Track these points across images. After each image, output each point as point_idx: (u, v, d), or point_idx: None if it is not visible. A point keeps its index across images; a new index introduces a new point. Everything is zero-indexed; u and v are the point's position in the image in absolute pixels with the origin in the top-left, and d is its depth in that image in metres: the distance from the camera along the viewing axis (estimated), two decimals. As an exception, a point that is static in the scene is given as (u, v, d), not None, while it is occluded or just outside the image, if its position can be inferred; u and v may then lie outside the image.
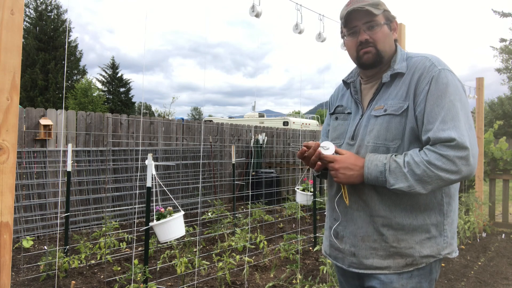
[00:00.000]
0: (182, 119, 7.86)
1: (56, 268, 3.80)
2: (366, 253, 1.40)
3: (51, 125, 5.50)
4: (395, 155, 1.32)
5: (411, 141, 1.34)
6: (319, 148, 1.42)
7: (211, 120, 15.52)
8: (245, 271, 3.81)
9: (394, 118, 1.36)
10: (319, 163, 1.43)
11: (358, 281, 1.50)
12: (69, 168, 4.24)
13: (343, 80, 1.63)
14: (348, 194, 1.44)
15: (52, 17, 26.43)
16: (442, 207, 1.38)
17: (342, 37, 1.54)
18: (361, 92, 1.54)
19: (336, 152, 1.42)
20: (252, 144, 8.54)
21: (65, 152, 5.34)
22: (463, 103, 1.30)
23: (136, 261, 3.64)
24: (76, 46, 28.60)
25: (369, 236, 1.40)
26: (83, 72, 28.91)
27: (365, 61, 1.45)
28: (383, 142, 1.37)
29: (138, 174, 6.27)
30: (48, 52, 25.19)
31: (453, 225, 1.42)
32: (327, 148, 1.42)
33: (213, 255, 4.12)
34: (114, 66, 31.09)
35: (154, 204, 3.41)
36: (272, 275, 3.96)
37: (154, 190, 3.26)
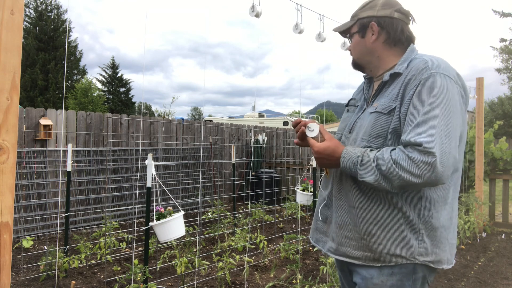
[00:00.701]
0: (182, 119, 7.86)
1: (56, 268, 3.80)
2: (342, 240, 1.46)
3: (51, 125, 5.50)
4: (370, 150, 1.35)
5: (394, 140, 1.35)
6: (305, 128, 1.52)
7: (211, 120, 15.52)
8: (245, 271, 3.81)
9: (381, 116, 1.39)
10: (299, 141, 1.58)
11: (350, 276, 1.55)
12: (69, 168, 4.24)
13: (363, 75, 1.70)
14: (333, 183, 1.54)
15: (52, 17, 26.43)
16: (419, 211, 1.36)
17: None
18: (373, 88, 1.59)
19: (321, 133, 1.49)
20: (252, 144, 8.54)
21: (65, 152, 5.34)
22: (448, 110, 1.27)
23: (136, 261, 3.64)
24: (76, 46, 28.61)
25: (346, 225, 1.45)
26: (83, 72, 28.91)
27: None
28: (368, 138, 1.41)
29: (138, 174, 6.27)
30: (48, 52, 25.18)
31: (436, 233, 1.37)
32: (312, 130, 1.49)
33: (213, 255, 4.12)
34: (114, 66, 31.10)
35: (154, 204, 3.41)
36: (272, 275, 3.96)
37: (154, 190, 3.26)
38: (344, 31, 1.60)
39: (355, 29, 1.55)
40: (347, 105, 1.72)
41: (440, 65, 1.34)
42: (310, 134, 1.49)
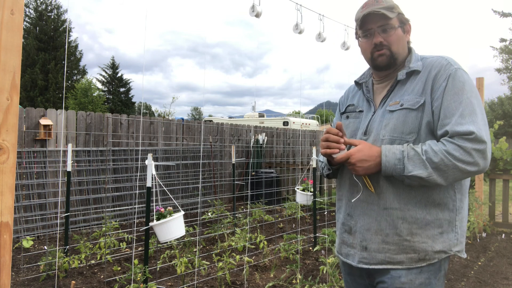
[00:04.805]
0: (182, 119, 7.86)
1: (56, 268, 3.80)
2: (379, 247, 1.40)
3: (51, 125, 5.50)
4: (411, 145, 1.35)
5: (427, 134, 1.37)
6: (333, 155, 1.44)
7: (211, 120, 15.52)
8: (245, 271, 3.81)
9: (411, 112, 1.39)
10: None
11: (368, 279, 1.50)
12: (69, 168, 4.24)
13: (355, 81, 1.67)
14: (362, 187, 1.46)
15: (52, 17, 26.45)
16: (454, 203, 1.40)
17: (357, 38, 1.59)
18: (373, 92, 1.58)
19: (349, 144, 1.43)
20: (252, 144, 8.54)
21: (65, 152, 5.34)
22: (479, 101, 1.35)
23: (136, 261, 3.64)
24: (76, 46, 28.63)
25: (382, 230, 1.40)
26: (83, 72, 28.93)
27: (379, 63, 1.49)
28: (400, 135, 1.39)
29: (138, 174, 6.27)
30: (48, 52, 25.20)
31: (463, 223, 1.43)
32: (339, 152, 1.42)
33: (213, 255, 4.12)
34: (114, 66, 31.09)
35: (154, 204, 3.41)
36: (272, 275, 3.96)
37: (154, 190, 3.26)
38: (385, 18, 1.44)
39: (397, 23, 1.46)
40: (344, 112, 1.67)
41: (456, 62, 1.42)
42: (336, 154, 1.42)
